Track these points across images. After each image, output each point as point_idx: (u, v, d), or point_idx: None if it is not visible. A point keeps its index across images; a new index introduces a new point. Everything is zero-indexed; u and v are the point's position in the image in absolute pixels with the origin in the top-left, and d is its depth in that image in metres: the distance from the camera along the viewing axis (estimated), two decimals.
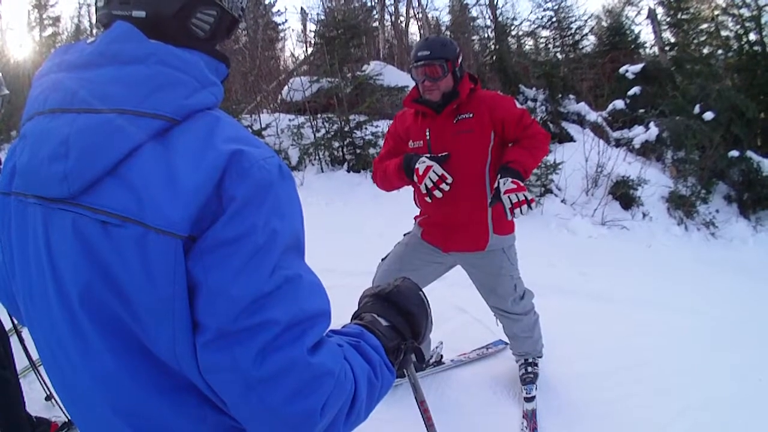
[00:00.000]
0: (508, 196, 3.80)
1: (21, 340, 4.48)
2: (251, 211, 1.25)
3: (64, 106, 1.29)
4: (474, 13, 25.03)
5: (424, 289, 1.93)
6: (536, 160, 4.20)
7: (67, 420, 4.42)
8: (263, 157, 1.31)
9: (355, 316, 1.79)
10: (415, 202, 4.69)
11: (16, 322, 4.40)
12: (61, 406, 4.02)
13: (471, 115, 4.18)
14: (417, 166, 4.08)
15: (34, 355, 4.52)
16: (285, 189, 1.34)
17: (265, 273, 1.24)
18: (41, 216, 1.34)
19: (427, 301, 1.88)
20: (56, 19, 28.26)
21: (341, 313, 1.42)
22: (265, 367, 1.21)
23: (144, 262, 1.22)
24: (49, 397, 4.62)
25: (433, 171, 4.03)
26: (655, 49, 19.73)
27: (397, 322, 1.74)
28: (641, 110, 14.29)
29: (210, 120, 1.33)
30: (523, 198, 3.78)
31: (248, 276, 1.22)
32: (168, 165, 1.24)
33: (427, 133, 4.25)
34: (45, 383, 4.58)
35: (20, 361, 4.33)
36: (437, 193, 4.03)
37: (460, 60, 4.26)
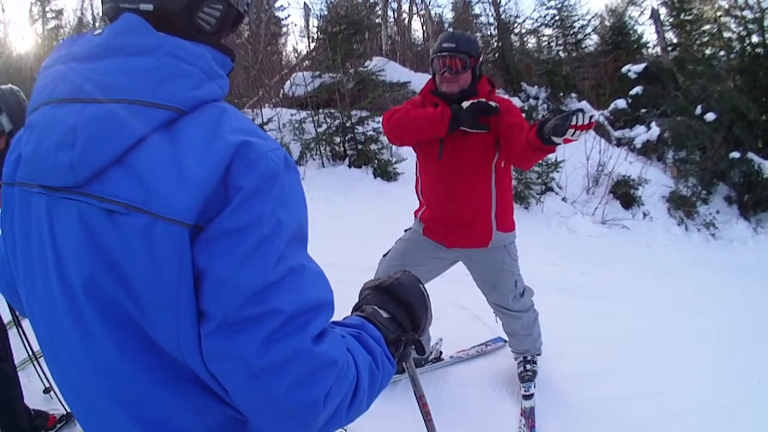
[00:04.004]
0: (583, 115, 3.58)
1: (22, 332, 4.48)
2: (257, 202, 1.25)
3: (71, 96, 1.30)
4: (477, 10, 24.95)
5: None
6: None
7: (65, 413, 4.43)
8: (270, 149, 1.32)
9: (356, 308, 1.80)
10: (418, 195, 4.71)
11: (17, 313, 4.41)
12: (60, 398, 4.04)
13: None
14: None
15: (34, 347, 4.53)
16: (290, 180, 1.35)
17: (270, 263, 1.25)
18: (45, 205, 1.35)
19: (427, 294, 1.89)
20: (59, 13, 28.14)
21: (342, 308, 1.43)
22: (269, 356, 1.22)
23: (150, 250, 1.23)
24: (47, 390, 4.62)
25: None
26: (658, 49, 19.70)
27: (397, 314, 1.75)
28: (643, 110, 14.33)
29: (217, 111, 1.34)
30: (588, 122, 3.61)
31: (253, 265, 1.23)
32: (175, 155, 1.25)
33: None
34: (44, 376, 4.59)
35: (19, 354, 4.34)
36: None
37: (481, 59, 4.29)
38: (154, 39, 1.33)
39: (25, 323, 4.46)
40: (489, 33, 21.29)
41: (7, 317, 4.29)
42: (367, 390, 1.45)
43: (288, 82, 14.68)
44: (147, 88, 1.27)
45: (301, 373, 1.25)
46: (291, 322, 1.25)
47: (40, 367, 4.56)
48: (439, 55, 4.21)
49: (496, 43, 18.14)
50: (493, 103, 4.09)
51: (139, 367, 1.33)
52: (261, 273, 1.24)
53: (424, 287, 1.89)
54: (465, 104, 4.08)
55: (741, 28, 16.63)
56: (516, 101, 13.32)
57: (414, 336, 1.75)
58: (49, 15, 27.77)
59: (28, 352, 4.53)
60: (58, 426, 4.41)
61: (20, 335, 4.47)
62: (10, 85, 4.14)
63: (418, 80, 13.03)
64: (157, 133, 1.27)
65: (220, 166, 1.24)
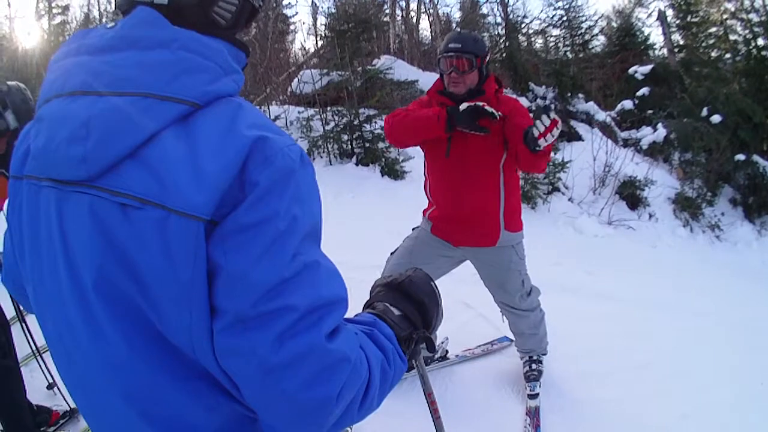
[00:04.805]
0: (541, 120, 3.75)
1: (26, 328, 4.48)
2: (274, 198, 1.25)
3: (85, 88, 1.29)
4: (485, 10, 25.05)
5: None
6: (547, 153, 4.09)
7: (69, 409, 4.44)
8: (286, 145, 1.31)
9: (368, 305, 1.80)
10: (426, 194, 4.71)
11: (20, 308, 4.41)
12: (64, 394, 4.04)
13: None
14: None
15: (38, 342, 4.53)
16: (305, 176, 1.34)
17: (286, 259, 1.24)
18: (55, 199, 1.34)
19: (438, 292, 1.89)
20: (65, 8, 28.09)
21: (350, 306, 1.43)
22: (282, 352, 1.21)
23: (164, 245, 1.22)
24: (51, 386, 4.62)
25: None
26: (665, 50, 19.73)
27: (408, 311, 1.75)
28: (649, 111, 14.32)
29: (233, 106, 1.33)
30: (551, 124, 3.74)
31: (269, 261, 1.23)
32: (191, 149, 1.24)
33: None
34: (47, 371, 4.59)
35: (23, 349, 4.34)
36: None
37: (487, 59, 4.29)
38: (169, 32, 1.33)
39: (30, 318, 4.46)
40: (497, 33, 21.35)
41: (10, 313, 4.29)
42: (378, 387, 1.45)
43: (296, 79, 14.67)
44: (162, 81, 1.27)
45: (314, 370, 1.24)
46: (305, 319, 1.24)
47: (44, 362, 4.56)
48: (445, 55, 4.22)
49: (503, 43, 18.13)
50: (490, 109, 4.05)
51: (149, 363, 1.32)
52: (276, 269, 1.23)
53: (435, 285, 1.89)
54: (463, 106, 4.06)
55: (747, 31, 16.63)
56: (523, 101, 13.32)
57: (425, 333, 1.75)
58: (55, 11, 27.79)
59: (31, 347, 4.53)
60: (61, 422, 4.42)
61: (24, 330, 4.47)
62: (16, 82, 4.14)
63: (426, 79, 13.06)
64: (172, 128, 1.26)
65: (237, 162, 1.24)
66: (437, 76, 4.48)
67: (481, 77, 4.27)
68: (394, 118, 4.42)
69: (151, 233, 1.22)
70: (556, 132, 3.74)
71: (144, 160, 1.24)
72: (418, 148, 4.63)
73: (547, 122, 3.72)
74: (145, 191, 1.22)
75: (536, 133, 3.74)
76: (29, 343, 4.51)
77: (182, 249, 1.22)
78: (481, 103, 4.06)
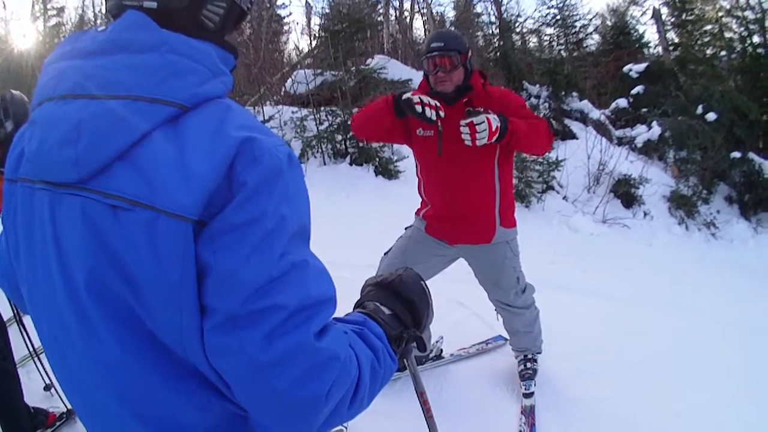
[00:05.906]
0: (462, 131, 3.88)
1: (23, 329, 4.49)
2: (261, 198, 1.26)
3: (76, 91, 1.30)
4: (479, 9, 24.97)
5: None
6: (532, 132, 4.12)
7: (66, 410, 4.43)
8: (274, 145, 1.32)
9: (358, 305, 1.81)
10: (420, 194, 4.71)
11: (17, 309, 4.41)
12: (61, 395, 4.04)
13: (482, 109, 4.17)
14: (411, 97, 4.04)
15: (35, 343, 4.53)
16: (293, 177, 1.35)
17: (274, 258, 1.26)
18: (48, 202, 1.35)
19: (429, 291, 1.90)
20: (60, 10, 27.88)
21: (342, 306, 1.44)
22: (271, 351, 1.22)
23: (153, 245, 1.23)
24: (48, 387, 4.63)
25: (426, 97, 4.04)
26: (659, 48, 19.69)
27: (399, 310, 1.76)
28: (644, 109, 14.31)
29: (221, 108, 1.35)
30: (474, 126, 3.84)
31: (257, 260, 1.24)
32: (179, 150, 1.26)
33: (439, 125, 4.21)
34: (45, 372, 4.59)
35: (20, 351, 4.34)
36: (432, 113, 4.00)
37: (470, 54, 4.28)
38: (158, 36, 1.34)
39: (27, 319, 4.46)
40: (491, 32, 21.31)
41: (7, 314, 4.30)
42: (368, 386, 1.46)
43: (289, 79, 14.65)
44: (151, 84, 1.28)
45: (303, 368, 1.25)
46: (294, 317, 1.25)
47: (41, 363, 4.57)
48: (429, 55, 4.20)
49: (497, 42, 18.11)
50: (429, 114, 4.00)
51: (141, 363, 1.33)
52: (264, 268, 1.24)
53: (425, 284, 1.90)
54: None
55: (742, 29, 16.63)
56: None
57: (415, 333, 1.76)
58: (50, 12, 27.64)
59: (28, 348, 4.53)
60: (58, 424, 4.42)
61: (21, 331, 4.48)
62: (20, 93, 4.14)
63: (420, 78, 12.83)
64: (161, 130, 1.27)
65: (225, 162, 1.25)
66: None
67: (467, 73, 4.27)
68: (359, 112, 4.51)
69: (141, 234, 1.23)
70: (481, 127, 3.81)
71: (134, 161, 1.25)
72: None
73: (466, 129, 3.83)
74: (135, 193, 1.23)
75: (468, 143, 3.86)
76: (26, 344, 4.52)
77: (171, 249, 1.23)
78: (442, 113, 4.03)
